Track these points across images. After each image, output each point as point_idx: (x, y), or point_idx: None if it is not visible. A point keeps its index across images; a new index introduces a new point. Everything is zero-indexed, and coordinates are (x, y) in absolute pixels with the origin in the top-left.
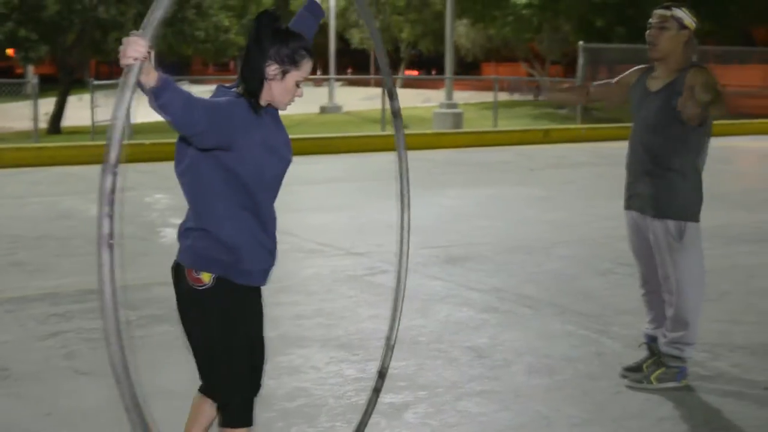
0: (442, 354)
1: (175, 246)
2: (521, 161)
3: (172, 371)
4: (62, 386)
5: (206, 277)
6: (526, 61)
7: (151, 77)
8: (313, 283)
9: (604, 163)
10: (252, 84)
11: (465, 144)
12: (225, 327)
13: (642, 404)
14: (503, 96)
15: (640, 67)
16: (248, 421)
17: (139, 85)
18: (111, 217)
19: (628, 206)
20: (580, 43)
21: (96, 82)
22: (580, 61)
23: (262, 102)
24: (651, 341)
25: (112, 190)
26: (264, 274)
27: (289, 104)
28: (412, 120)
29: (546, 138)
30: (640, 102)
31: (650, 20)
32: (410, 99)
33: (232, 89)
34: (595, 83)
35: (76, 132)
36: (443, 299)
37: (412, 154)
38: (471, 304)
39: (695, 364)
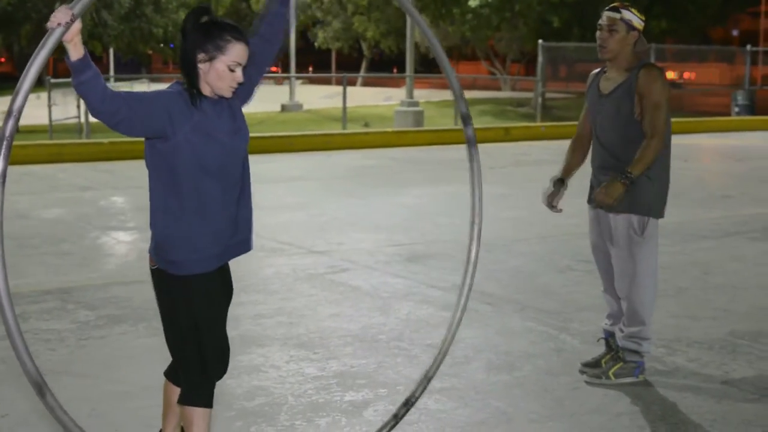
0: (402, 351)
1: (131, 247)
2: (482, 159)
3: (130, 372)
4: (19, 387)
5: (153, 261)
6: (487, 59)
7: (77, 50)
8: (273, 281)
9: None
10: (188, 75)
11: (426, 142)
12: (167, 307)
13: (600, 400)
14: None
15: (594, 72)
16: (201, 402)
17: (68, 62)
18: (6, 159)
19: (590, 201)
20: (540, 41)
21: (53, 80)
22: (540, 59)
23: (206, 91)
24: (609, 337)
25: (12, 135)
26: (194, 265)
27: (231, 89)
28: (373, 118)
29: (507, 136)
30: (595, 105)
31: (599, 22)
32: (371, 97)
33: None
34: (580, 123)
35: (33, 131)
36: (405, 297)
37: (372, 152)
38: (432, 301)
39: (653, 359)
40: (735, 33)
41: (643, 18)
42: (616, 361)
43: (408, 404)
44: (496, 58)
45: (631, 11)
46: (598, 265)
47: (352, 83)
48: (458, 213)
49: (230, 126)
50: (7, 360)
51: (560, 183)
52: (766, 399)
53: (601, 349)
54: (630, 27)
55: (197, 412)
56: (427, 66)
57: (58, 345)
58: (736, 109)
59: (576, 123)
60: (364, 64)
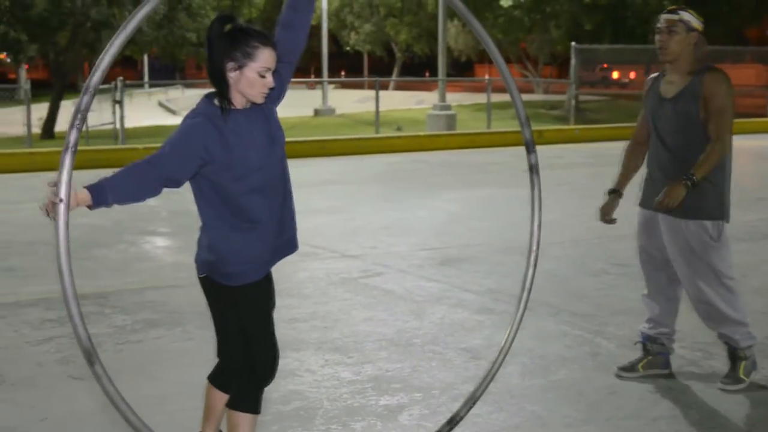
0: (437, 356)
1: (166, 251)
2: (515, 162)
3: (166, 375)
4: (57, 391)
5: (200, 270)
6: (519, 62)
7: (82, 200)
8: (307, 286)
9: (598, 163)
10: (218, 85)
11: (458, 145)
12: (218, 314)
13: (636, 404)
14: (496, 97)
15: (651, 76)
16: (250, 407)
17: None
18: (79, 130)
19: (649, 205)
20: (573, 44)
21: None
22: (573, 61)
23: (238, 102)
24: (647, 341)
25: (86, 109)
26: (247, 275)
27: (263, 95)
28: (406, 122)
29: (540, 139)
30: (656, 109)
31: (658, 25)
32: (403, 101)
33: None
34: (637, 128)
35: None
36: (438, 301)
37: (406, 156)
38: (466, 305)
39: (690, 363)
40: None
41: (702, 19)
42: (738, 361)
43: (452, 423)
44: (528, 61)
45: (689, 12)
46: (643, 268)
47: (385, 87)
48: (491, 216)
49: (265, 135)
50: (44, 363)
51: (616, 194)
52: None
53: (637, 353)
54: (689, 28)
55: (246, 418)
56: (459, 70)
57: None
58: None
59: (610, 125)
60: (396, 68)
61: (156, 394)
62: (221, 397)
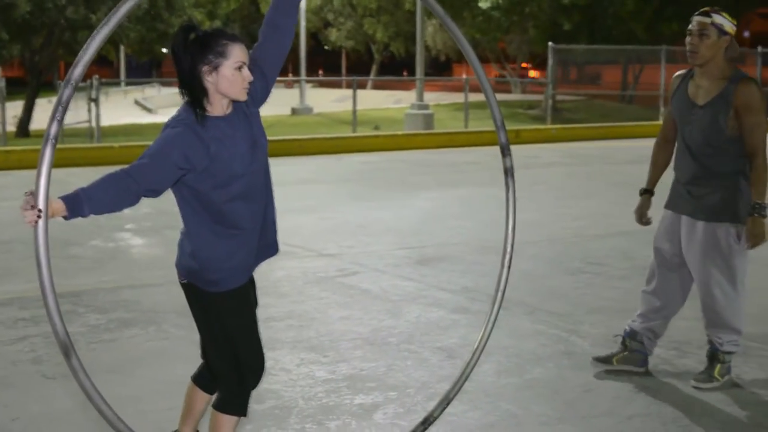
0: (412, 354)
1: (141, 250)
2: (492, 162)
3: (140, 374)
4: (30, 391)
5: (182, 276)
6: (497, 62)
7: (57, 211)
8: (284, 284)
9: (575, 163)
10: (193, 94)
11: (436, 145)
12: (202, 320)
13: (611, 402)
14: (474, 97)
15: (678, 74)
16: (236, 410)
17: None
18: (60, 123)
19: (674, 207)
20: (550, 44)
21: None
22: (550, 61)
23: (217, 110)
24: (627, 336)
25: (68, 102)
26: (230, 281)
27: (245, 90)
28: (384, 121)
29: (517, 138)
30: (686, 113)
31: (689, 27)
32: (381, 100)
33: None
34: (664, 124)
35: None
36: (414, 300)
37: (383, 155)
38: (442, 304)
39: (663, 361)
40: (746, 34)
41: (735, 22)
42: (715, 362)
43: (426, 423)
44: (506, 61)
45: (722, 15)
46: (659, 268)
47: (363, 86)
48: (468, 216)
49: (248, 141)
50: (18, 363)
51: (648, 193)
52: None
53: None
54: (721, 32)
55: (230, 420)
56: (438, 69)
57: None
58: None
59: (587, 125)
60: (374, 68)
61: (130, 393)
62: (203, 398)
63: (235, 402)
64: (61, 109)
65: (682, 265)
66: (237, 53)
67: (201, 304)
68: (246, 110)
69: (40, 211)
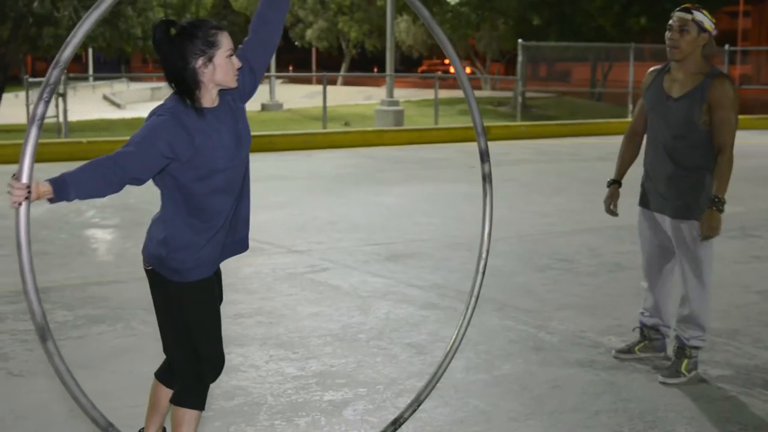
0: (381, 351)
1: (109, 246)
2: (462, 158)
3: (108, 371)
4: (17, 384)
5: (147, 263)
6: (467, 58)
7: (44, 193)
8: (253, 281)
9: (544, 160)
10: (187, 86)
11: (406, 141)
12: (163, 309)
13: (579, 398)
14: (444, 93)
15: (653, 69)
16: (194, 404)
17: (50, 200)
18: (47, 103)
19: (646, 204)
20: (520, 41)
21: (32, 80)
22: (520, 58)
23: (207, 101)
24: (644, 327)
25: (56, 83)
26: (195, 273)
27: (236, 76)
28: (354, 117)
29: (487, 135)
30: (660, 105)
31: (670, 22)
32: (352, 96)
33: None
34: (632, 118)
35: (12, 130)
36: (384, 296)
37: (353, 152)
38: (411, 300)
39: (631, 357)
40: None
41: (715, 21)
42: (682, 357)
43: (396, 423)
44: (477, 58)
45: (702, 12)
46: (652, 261)
47: (333, 82)
48: (437, 212)
49: (233, 135)
50: (9, 358)
51: (616, 184)
52: (743, 396)
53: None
54: (701, 28)
55: (189, 414)
56: (410, 65)
57: (36, 345)
58: None
59: (555, 122)
60: (344, 64)
61: (98, 389)
62: (167, 393)
63: (192, 395)
64: (49, 89)
65: (666, 254)
66: (226, 41)
67: (164, 293)
68: (232, 104)
69: (28, 188)
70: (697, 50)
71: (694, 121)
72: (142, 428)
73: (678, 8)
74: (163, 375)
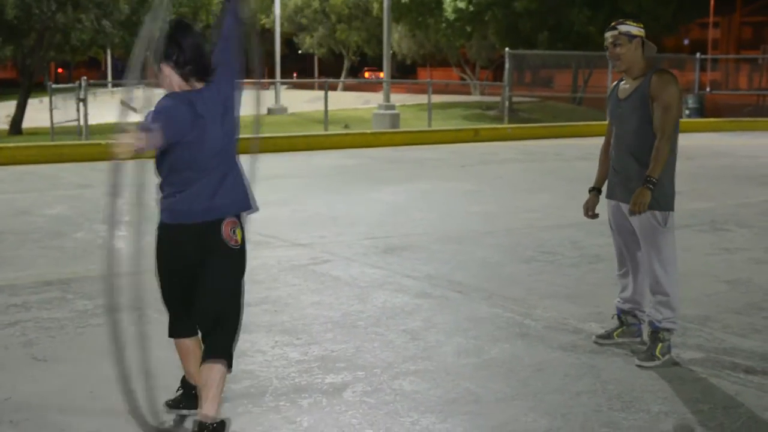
0: (379, 337)
1: (127, 241)
2: (453, 158)
3: (125, 358)
4: (21, 372)
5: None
6: (458, 66)
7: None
8: (259, 272)
9: (530, 159)
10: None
11: (402, 143)
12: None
13: (561, 380)
14: (437, 98)
15: (614, 83)
16: (224, 354)
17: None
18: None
19: (611, 195)
20: (507, 49)
21: (54, 86)
22: (507, 65)
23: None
24: (621, 313)
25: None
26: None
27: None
28: (353, 120)
29: (476, 137)
30: (615, 110)
31: (605, 43)
32: (351, 101)
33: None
34: (607, 130)
35: (37, 133)
36: (381, 286)
37: (352, 152)
38: (406, 290)
39: (610, 342)
40: (686, 42)
41: (641, 25)
42: (656, 341)
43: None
44: (467, 65)
45: (626, 23)
46: (624, 249)
47: (334, 88)
48: (430, 208)
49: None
50: (9, 346)
51: (595, 191)
52: (713, 378)
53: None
54: (630, 36)
55: (219, 372)
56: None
57: (58, 332)
58: (687, 112)
59: (540, 125)
60: (343, 72)
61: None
62: (186, 342)
63: (222, 347)
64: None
65: (637, 241)
66: None
67: (207, 247)
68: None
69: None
70: (636, 56)
71: (643, 119)
72: (179, 387)
73: (606, 29)
74: (175, 330)
